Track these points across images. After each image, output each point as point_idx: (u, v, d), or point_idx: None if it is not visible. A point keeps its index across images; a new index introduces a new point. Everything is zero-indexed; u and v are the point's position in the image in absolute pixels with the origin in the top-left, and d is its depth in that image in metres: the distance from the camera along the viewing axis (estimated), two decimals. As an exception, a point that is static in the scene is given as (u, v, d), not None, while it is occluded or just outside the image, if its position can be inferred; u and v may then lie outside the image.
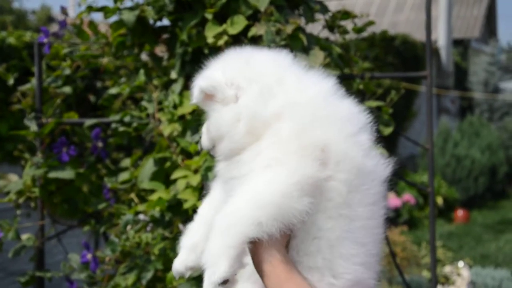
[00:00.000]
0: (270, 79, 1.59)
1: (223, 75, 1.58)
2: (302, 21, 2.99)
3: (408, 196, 11.20)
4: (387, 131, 3.03)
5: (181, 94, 2.92)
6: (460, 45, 19.49)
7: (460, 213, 11.72)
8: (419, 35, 14.33)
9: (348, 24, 3.17)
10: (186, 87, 2.97)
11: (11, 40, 5.78)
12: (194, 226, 1.71)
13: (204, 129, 1.66)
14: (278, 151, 1.51)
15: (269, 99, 1.56)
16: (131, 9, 2.96)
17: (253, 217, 1.46)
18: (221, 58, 1.67)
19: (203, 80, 1.58)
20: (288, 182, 1.47)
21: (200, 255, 1.61)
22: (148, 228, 2.74)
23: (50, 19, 18.22)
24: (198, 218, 1.71)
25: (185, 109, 2.87)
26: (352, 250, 1.58)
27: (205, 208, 1.71)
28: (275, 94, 1.57)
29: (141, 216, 2.76)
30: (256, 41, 2.76)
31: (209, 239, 1.49)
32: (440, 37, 16.73)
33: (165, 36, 3.15)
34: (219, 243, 1.46)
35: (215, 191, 1.71)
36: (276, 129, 1.53)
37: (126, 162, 3.23)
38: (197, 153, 2.76)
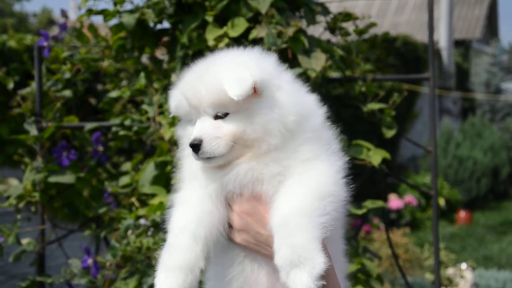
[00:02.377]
0: (289, 77, 1.65)
1: (263, 71, 1.56)
2: (303, 23, 2.97)
3: (410, 198, 11.16)
4: (390, 133, 3.01)
5: (182, 97, 2.90)
6: (462, 46, 19.45)
7: (462, 214, 11.68)
8: (420, 36, 14.30)
9: (349, 26, 3.15)
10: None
11: (12, 43, 5.77)
12: (181, 242, 1.55)
13: (216, 133, 1.55)
14: (315, 146, 1.58)
15: (301, 96, 1.62)
16: (131, 12, 2.94)
17: (322, 207, 1.49)
18: (228, 58, 1.62)
19: (256, 74, 1.52)
20: (333, 171, 1.55)
21: (198, 275, 1.55)
22: (149, 233, 2.72)
23: (51, 22, 18.23)
24: (184, 233, 1.56)
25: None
26: (342, 245, 1.72)
27: (189, 221, 1.57)
28: (303, 92, 1.64)
29: (142, 221, 2.74)
30: (257, 43, 2.74)
31: (282, 238, 1.45)
32: (441, 38, 16.70)
33: (165, 39, 3.13)
34: (304, 238, 1.44)
35: (199, 201, 1.59)
36: (309, 125, 1.59)
37: (127, 166, 3.21)
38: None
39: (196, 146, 1.54)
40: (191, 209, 1.57)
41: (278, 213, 1.49)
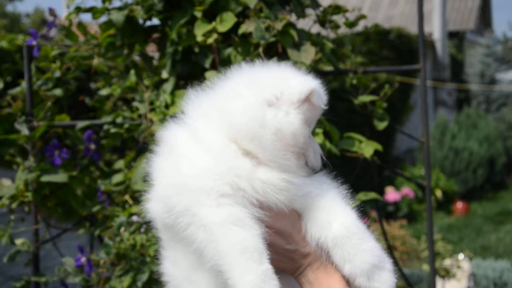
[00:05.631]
0: None
1: None
2: (293, 17, 2.96)
3: (407, 190, 11.18)
4: (382, 125, 3.01)
5: (172, 93, 2.89)
6: (455, 37, 19.47)
7: (459, 205, 11.72)
8: (414, 28, 14.30)
9: (340, 19, 3.14)
10: (178, 86, 2.95)
11: (4, 43, 5.74)
12: (267, 267, 1.45)
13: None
14: None
15: None
16: (120, 9, 2.92)
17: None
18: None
19: None
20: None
21: None
22: (142, 230, 2.72)
23: (44, 22, 18.19)
24: (264, 256, 1.46)
25: (177, 109, 2.84)
26: None
27: (259, 243, 1.47)
28: None
29: (135, 218, 2.74)
30: (246, 38, 2.73)
31: (356, 246, 1.51)
32: (435, 30, 16.70)
33: (155, 35, 3.12)
34: (373, 241, 1.53)
35: (250, 220, 1.49)
36: None
37: (120, 163, 3.20)
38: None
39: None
40: (252, 230, 1.48)
41: (336, 225, 1.53)
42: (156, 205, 1.59)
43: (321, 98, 1.56)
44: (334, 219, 1.54)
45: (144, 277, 2.61)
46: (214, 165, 1.50)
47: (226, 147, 1.53)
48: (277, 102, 1.52)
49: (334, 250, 1.53)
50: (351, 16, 3.21)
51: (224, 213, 1.47)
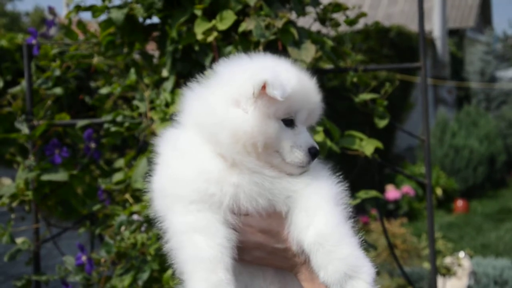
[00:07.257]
0: None
1: None
2: (293, 15, 2.96)
3: (408, 188, 11.18)
4: (382, 123, 3.00)
5: (172, 92, 2.89)
6: (456, 35, 19.45)
7: (459, 203, 11.71)
8: (414, 26, 14.28)
9: (340, 17, 3.14)
10: (178, 85, 2.94)
11: (3, 42, 5.74)
12: (221, 277, 1.44)
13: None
14: None
15: None
16: (120, 7, 2.92)
17: (343, 211, 1.55)
18: None
19: None
20: (326, 172, 1.65)
21: None
22: (143, 229, 2.72)
23: (44, 21, 18.21)
24: (220, 266, 1.45)
25: (177, 107, 2.83)
26: None
27: (218, 251, 1.47)
28: None
29: (135, 217, 2.73)
30: (246, 36, 2.73)
31: (328, 253, 1.46)
32: (435, 28, 16.68)
33: (155, 34, 3.11)
34: (350, 248, 1.47)
35: (218, 227, 1.49)
36: None
37: (120, 162, 3.19)
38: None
39: (317, 155, 1.57)
40: (213, 238, 1.48)
41: (312, 230, 1.48)
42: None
43: (279, 89, 1.44)
44: (311, 223, 1.48)
45: (144, 276, 2.61)
46: (185, 171, 1.51)
47: (198, 151, 1.52)
48: (240, 100, 1.50)
49: (310, 256, 1.49)
50: (351, 14, 3.21)
51: (189, 221, 1.48)
